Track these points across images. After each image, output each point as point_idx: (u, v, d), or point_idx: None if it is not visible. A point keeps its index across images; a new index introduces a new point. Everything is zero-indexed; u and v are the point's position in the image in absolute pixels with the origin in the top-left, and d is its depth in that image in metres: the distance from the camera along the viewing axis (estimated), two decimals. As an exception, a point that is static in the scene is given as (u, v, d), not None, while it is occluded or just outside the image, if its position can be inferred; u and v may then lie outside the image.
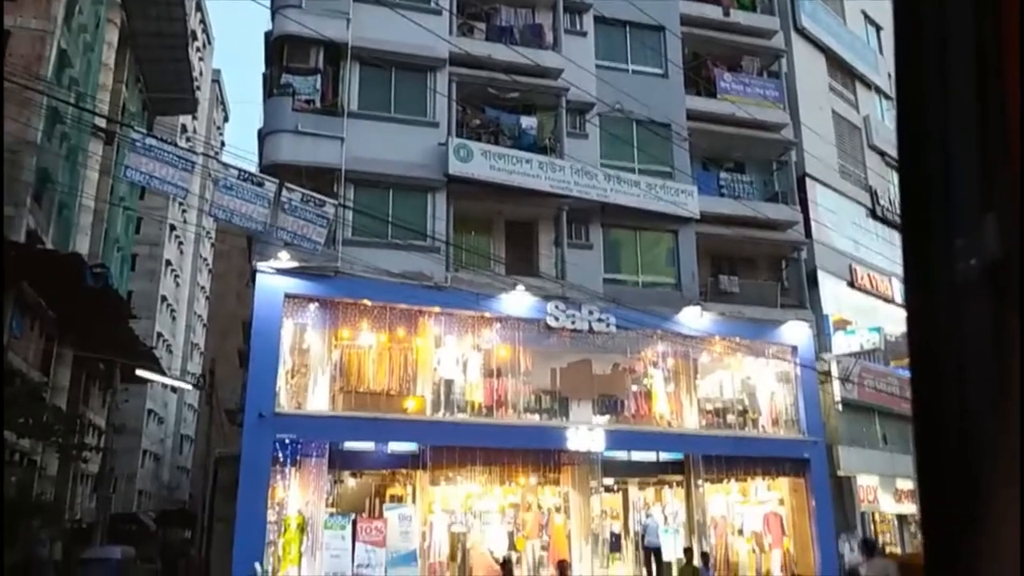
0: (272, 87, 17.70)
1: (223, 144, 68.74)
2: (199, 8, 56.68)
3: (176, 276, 55.62)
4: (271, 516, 15.25)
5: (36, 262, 21.59)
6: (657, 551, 17.88)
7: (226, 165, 14.08)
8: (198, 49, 56.36)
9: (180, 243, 55.62)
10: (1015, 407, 0.73)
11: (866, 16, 28.89)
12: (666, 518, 19.26)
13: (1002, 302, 0.75)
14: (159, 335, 49.22)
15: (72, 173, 27.32)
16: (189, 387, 37.50)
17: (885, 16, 30.27)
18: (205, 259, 64.66)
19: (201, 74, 57.71)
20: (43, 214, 25.27)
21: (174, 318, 55.51)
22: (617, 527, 18.95)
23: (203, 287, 64.72)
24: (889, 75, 29.37)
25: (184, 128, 52.61)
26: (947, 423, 0.79)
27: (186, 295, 59.89)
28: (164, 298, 51.53)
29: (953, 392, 0.79)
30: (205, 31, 60.50)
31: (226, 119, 72.19)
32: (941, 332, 0.80)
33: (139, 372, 19.46)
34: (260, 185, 13.48)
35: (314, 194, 14.52)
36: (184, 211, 49.15)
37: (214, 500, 16.92)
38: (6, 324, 20.98)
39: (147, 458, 50.09)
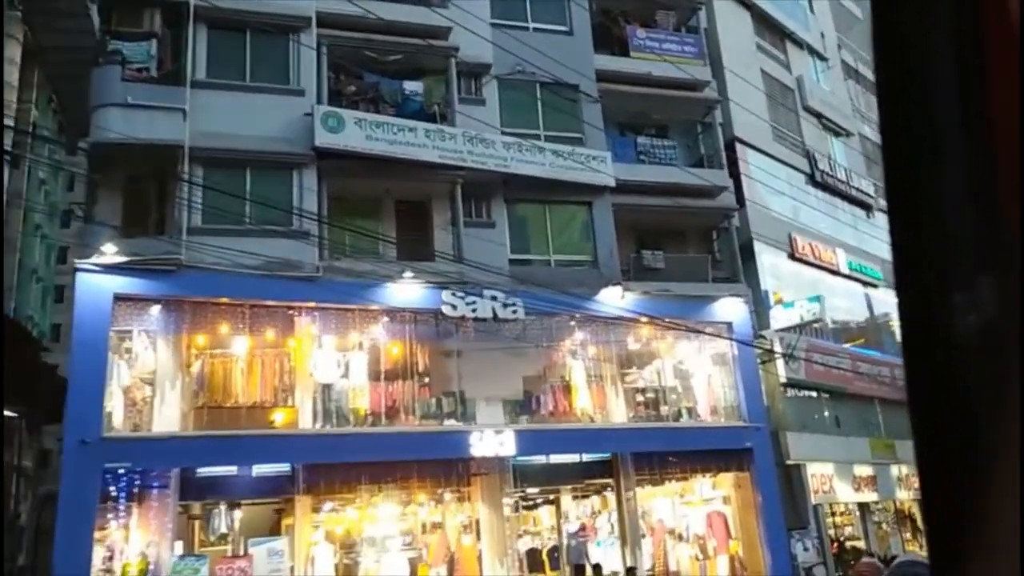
0: (98, 56, 15.11)
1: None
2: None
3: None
4: (100, 563, 12.54)
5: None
6: (581, 568, 15.56)
7: None
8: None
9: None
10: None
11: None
12: (611, 527, 16.96)
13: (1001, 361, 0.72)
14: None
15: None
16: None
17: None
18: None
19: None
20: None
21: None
22: (539, 543, 16.63)
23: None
24: (822, 35, 27.63)
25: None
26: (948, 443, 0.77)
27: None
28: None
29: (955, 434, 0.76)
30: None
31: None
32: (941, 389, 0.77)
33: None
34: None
35: None
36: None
37: (37, 547, 14.18)
38: None
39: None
